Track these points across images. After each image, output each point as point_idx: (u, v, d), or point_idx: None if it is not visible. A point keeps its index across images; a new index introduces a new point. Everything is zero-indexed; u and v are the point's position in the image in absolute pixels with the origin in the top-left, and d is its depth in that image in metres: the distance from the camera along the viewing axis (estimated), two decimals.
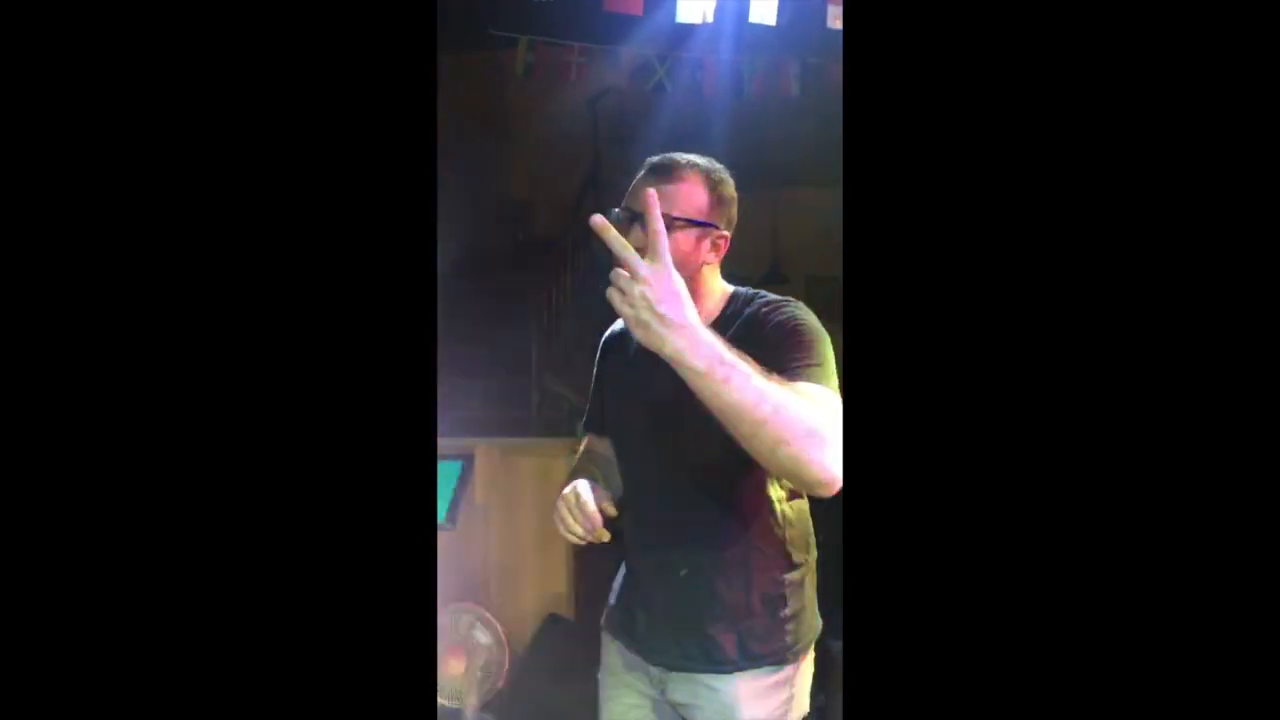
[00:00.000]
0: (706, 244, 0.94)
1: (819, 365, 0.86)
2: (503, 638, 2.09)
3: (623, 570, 1.09)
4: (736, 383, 0.71)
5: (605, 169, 5.08)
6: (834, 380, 0.85)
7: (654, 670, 1.01)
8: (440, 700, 2.08)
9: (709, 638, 0.95)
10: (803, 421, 0.74)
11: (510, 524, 2.38)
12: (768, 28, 2.64)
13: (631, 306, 0.69)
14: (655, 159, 0.95)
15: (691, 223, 0.92)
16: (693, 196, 0.93)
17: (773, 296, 0.96)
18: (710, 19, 2.72)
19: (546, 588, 2.36)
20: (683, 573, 0.97)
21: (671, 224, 0.88)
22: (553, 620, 2.28)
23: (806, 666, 1.01)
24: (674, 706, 1.02)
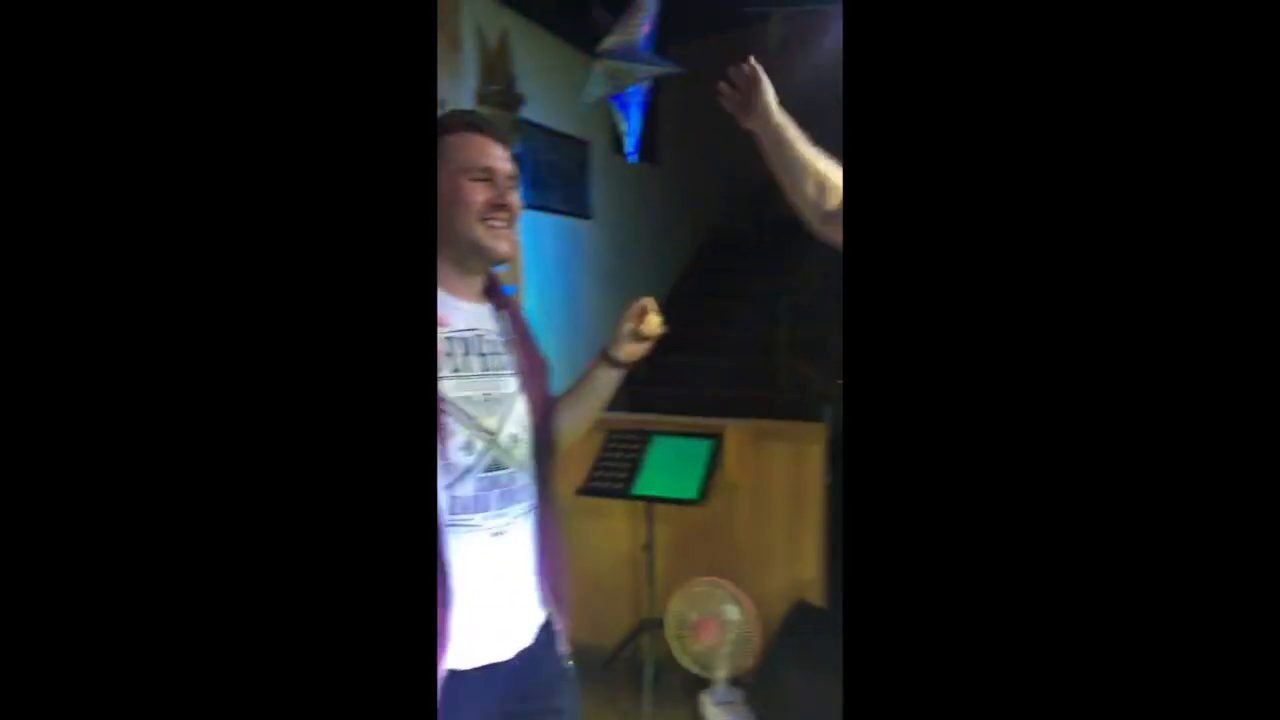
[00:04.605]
0: None
1: None
2: (753, 615, 2.11)
3: None
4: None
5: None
6: None
7: None
8: (691, 668, 2.16)
9: None
10: None
11: (761, 506, 2.38)
12: None
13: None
14: None
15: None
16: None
17: None
18: None
19: (795, 572, 2.33)
20: None
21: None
22: (802, 607, 2.24)
23: None
24: None
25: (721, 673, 2.14)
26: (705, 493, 2.07)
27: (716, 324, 4.35)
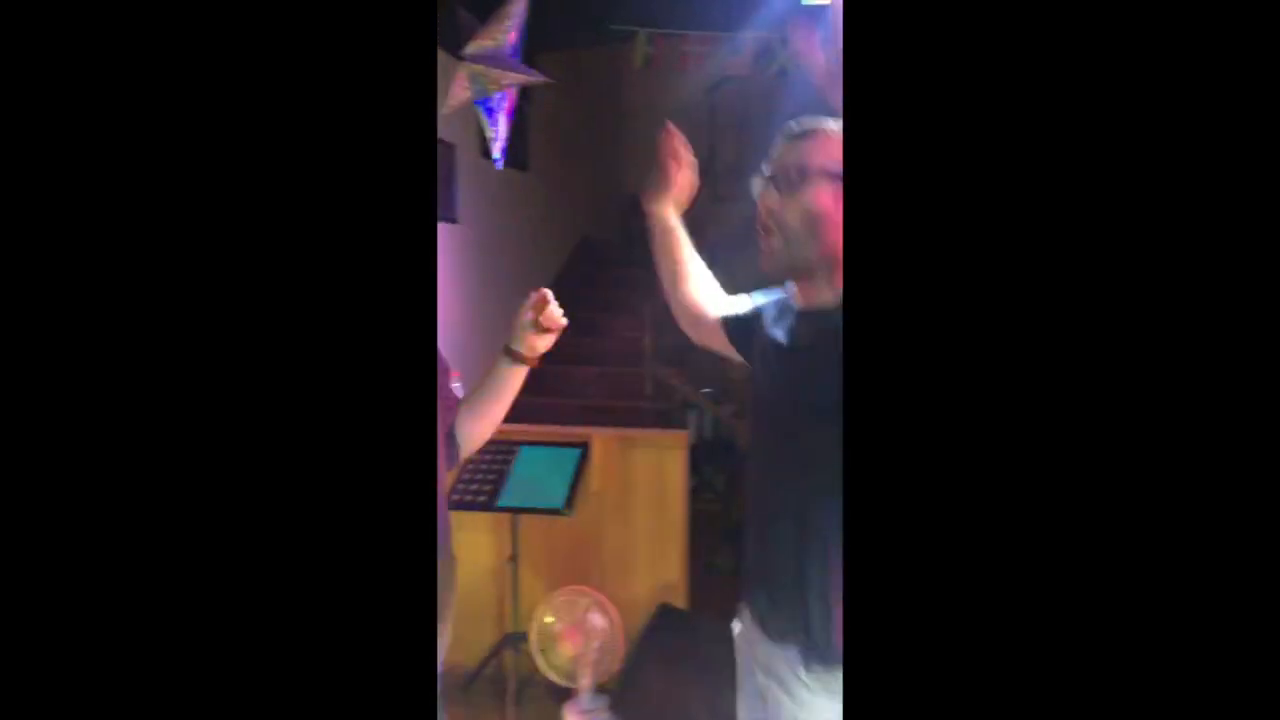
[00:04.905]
0: None
1: None
2: (617, 622, 2.13)
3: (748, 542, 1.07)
4: None
5: (722, 158, 5.02)
6: None
7: (781, 653, 0.97)
8: (554, 678, 2.15)
9: (819, 614, 0.91)
10: None
11: (625, 513, 2.41)
12: None
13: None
14: (794, 123, 0.97)
15: (828, 174, 0.92)
16: (827, 150, 0.93)
17: None
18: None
19: (660, 577, 2.39)
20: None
21: (807, 175, 0.92)
22: (666, 610, 2.30)
23: None
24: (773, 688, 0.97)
25: (585, 681, 2.15)
26: (572, 502, 2.08)
27: (585, 333, 4.38)
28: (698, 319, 1.16)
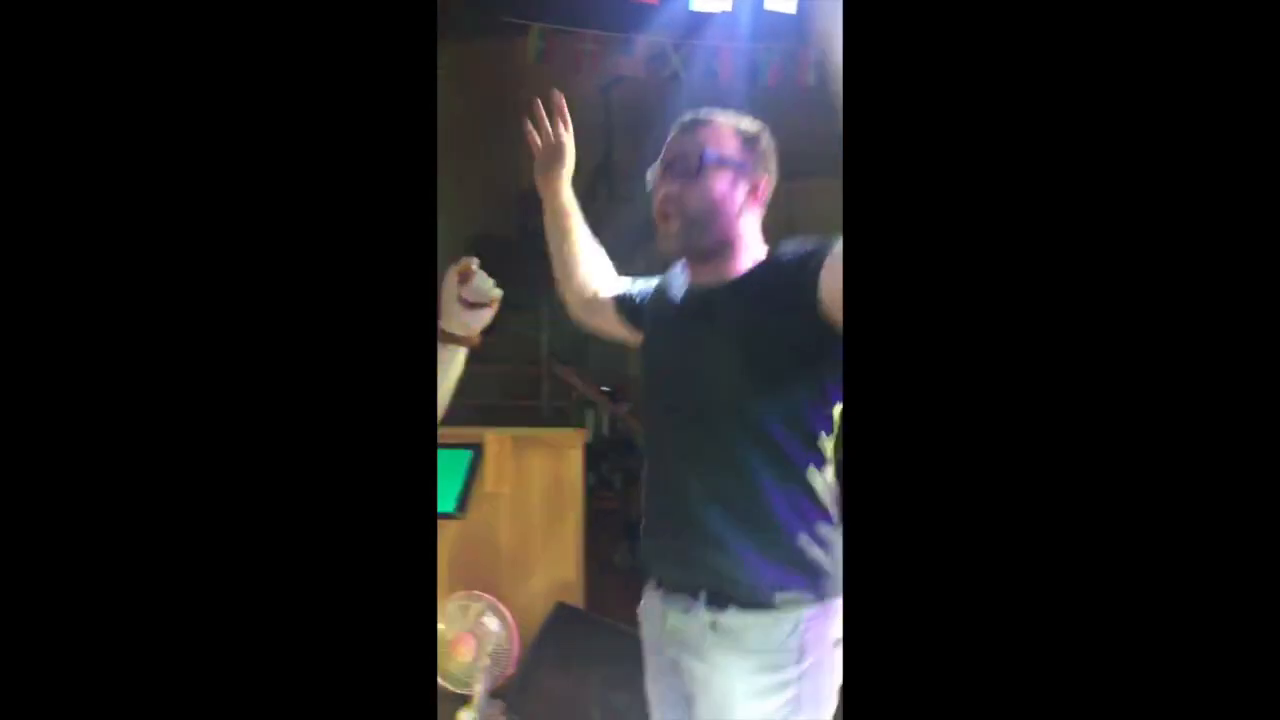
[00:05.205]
0: (743, 188, 0.98)
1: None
2: (512, 625, 2.10)
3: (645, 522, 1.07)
4: None
5: (617, 158, 5.05)
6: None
7: (689, 613, 0.96)
8: (448, 686, 2.09)
9: (718, 567, 0.94)
10: None
11: (520, 513, 2.38)
12: (785, 16, 2.61)
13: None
14: (687, 115, 1.00)
15: (723, 162, 0.97)
16: (721, 140, 0.98)
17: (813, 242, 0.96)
18: (727, 7, 2.69)
19: (555, 576, 2.37)
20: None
21: (704, 163, 0.95)
22: (561, 608, 2.29)
23: (813, 634, 0.95)
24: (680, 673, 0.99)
25: (479, 687, 2.11)
26: (464, 504, 2.03)
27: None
28: (589, 302, 1.17)
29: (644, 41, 2.94)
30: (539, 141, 1.13)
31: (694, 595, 0.97)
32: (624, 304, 1.15)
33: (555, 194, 1.15)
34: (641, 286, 1.15)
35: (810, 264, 0.91)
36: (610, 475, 4.12)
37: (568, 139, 1.12)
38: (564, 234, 1.16)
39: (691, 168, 0.96)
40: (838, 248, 0.88)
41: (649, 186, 1.02)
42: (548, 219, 1.17)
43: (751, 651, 0.93)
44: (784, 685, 0.92)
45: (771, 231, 1.05)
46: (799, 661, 0.93)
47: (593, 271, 1.18)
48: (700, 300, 1.01)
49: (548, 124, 1.12)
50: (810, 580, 0.94)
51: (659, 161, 1.01)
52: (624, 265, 1.22)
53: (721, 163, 0.96)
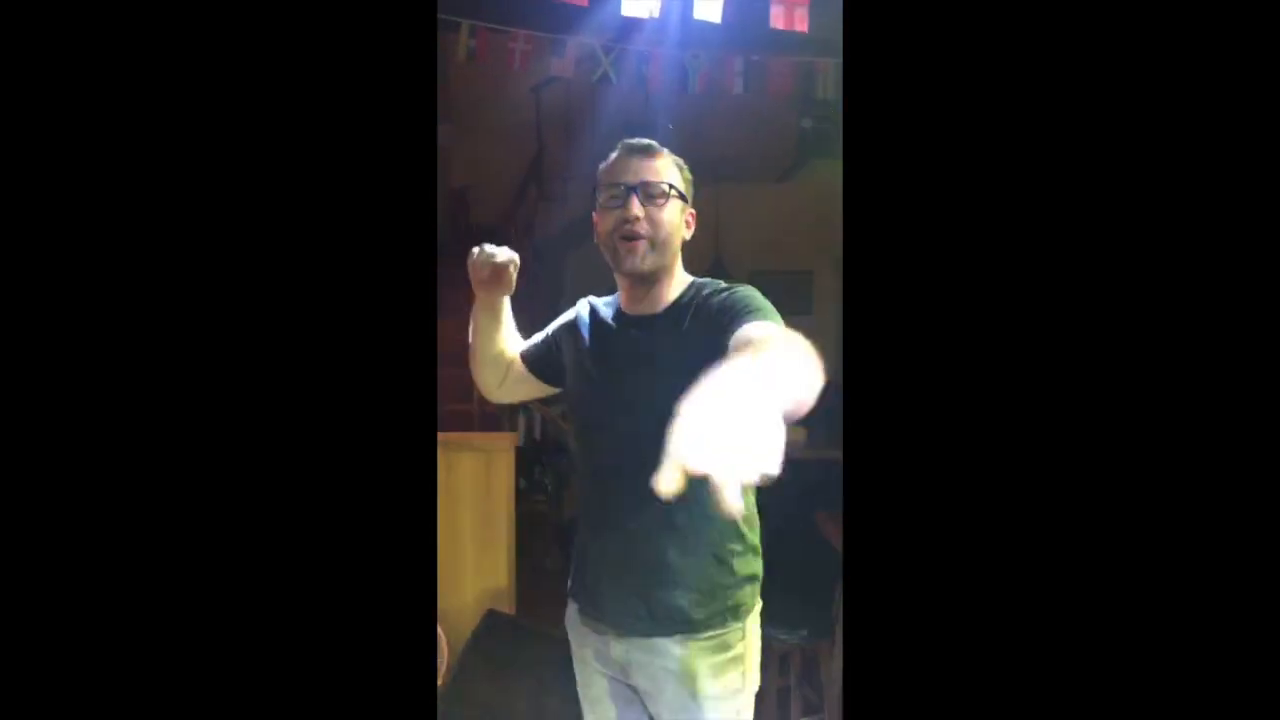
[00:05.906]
0: (687, 218, 1.08)
1: (760, 310, 0.94)
2: (442, 636, 2.06)
3: (578, 545, 1.13)
4: None
5: (548, 158, 5.02)
6: (777, 317, 0.94)
7: (615, 646, 1.05)
8: None
9: (663, 599, 1.01)
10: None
11: (450, 519, 2.34)
12: (712, 25, 2.65)
13: None
14: (632, 140, 1.07)
15: (680, 194, 1.04)
16: (670, 172, 1.06)
17: (725, 284, 1.05)
18: (656, 14, 2.72)
19: (487, 584, 2.34)
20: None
21: (668, 192, 1.03)
22: (492, 616, 2.25)
23: (754, 645, 1.06)
24: (634, 690, 1.06)
25: None
26: None
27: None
28: (503, 382, 1.20)
29: (575, 43, 2.94)
30: (484, 275, 1.09)
31: (642, 629, 1.03)
32: (530, 358, 1.19)
33: (492, 305, 1.14)
34: (542, 337, 1.20)
35: (726, 321, 0.94)
36: (542, 478, 4.09)
37: (513, 270, 1.10)
38: (489, 336, 1.17)
39: (654, 195, 1.03)
40: (752, 326, 0.89)
41: (600, 203, 1.05)
42: (479, 317, 1.15)
43: (707, 677, 1.01)
44: (738, 691, 1.03)
45: (697, 235, 1.10)
46: (753, 670, 1.05)
47: (506, 360, 1.20)
48: (637, 325, 1.07)
49: (482, 264, 1.07)
50: (749, 602, 1.04)
51: (620, 184, 1.03)
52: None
53: (675, 192, 1.05)
